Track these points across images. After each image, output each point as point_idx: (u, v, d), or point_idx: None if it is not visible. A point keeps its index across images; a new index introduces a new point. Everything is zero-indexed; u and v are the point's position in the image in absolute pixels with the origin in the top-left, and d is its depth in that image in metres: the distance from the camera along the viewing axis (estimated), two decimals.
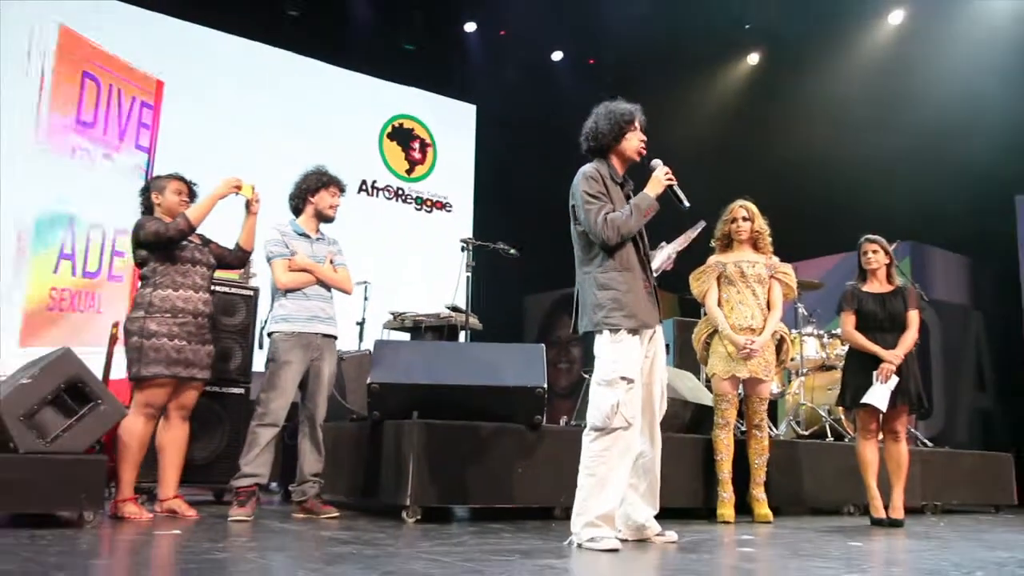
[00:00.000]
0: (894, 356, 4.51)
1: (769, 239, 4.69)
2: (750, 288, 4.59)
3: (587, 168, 3.35)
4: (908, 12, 8.67)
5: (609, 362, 3.16)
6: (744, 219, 4.65)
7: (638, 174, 3.44)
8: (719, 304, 4.61)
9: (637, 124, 3.39)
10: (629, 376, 3.13)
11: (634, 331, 3.19)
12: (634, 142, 3.38)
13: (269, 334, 4.10)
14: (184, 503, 3.91)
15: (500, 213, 9.68)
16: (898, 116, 8.23)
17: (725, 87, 10.09)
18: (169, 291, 3.82)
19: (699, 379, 5.44)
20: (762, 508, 4.51)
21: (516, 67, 10.09)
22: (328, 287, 4.19)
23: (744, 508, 4.56)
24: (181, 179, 4.03)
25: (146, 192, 4.02)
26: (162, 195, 3.96)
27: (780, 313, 4.67)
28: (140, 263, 3.90)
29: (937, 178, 7.92)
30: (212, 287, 4.10)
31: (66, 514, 3.37)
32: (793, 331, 6.05)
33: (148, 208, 3.99)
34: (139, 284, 3.91)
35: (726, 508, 4.46)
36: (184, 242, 3.89)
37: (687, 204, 3.35)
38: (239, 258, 4.18)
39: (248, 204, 4.10)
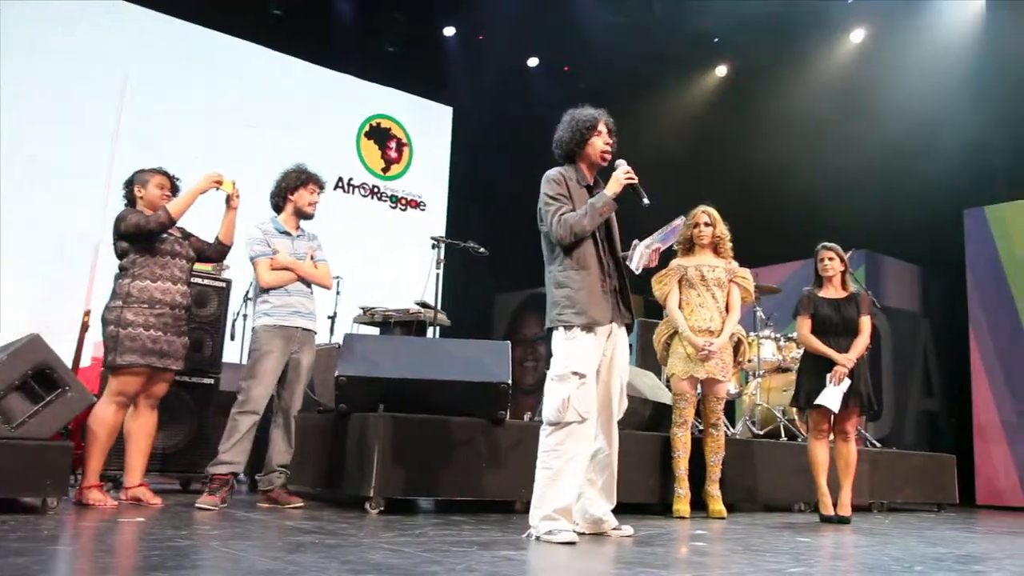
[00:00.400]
0: (847, 359, 4.64)
1: (729, 244, 4.82)
2: (710, 291, 4.71)
3: (551, 171, 3.43)
4: (868, 31, 8.91)
5: (562, 358, 3.23)
6: (706, 224, 4.78)
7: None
8: (680, 306, 4.73)
9: (602, 128, 3.44)
10: (581, 371, 3.20)
11: (589, 328, 3.25)
12: (598, 146, 3.44)
13: (253, 329, 4.19)
14: (149, 491, 3.94)
15: (473, 213, 9.78)
16: (857, 131, 8.46)
17: (694, 97, 10.25)
18: (147, 282, 3.88)
19: (660, 378, 5.56)
20: (716, 504, 4.63)
21: (493, 71, 10.19)
22: (309, 283, 4.27)
23: (700, 504, 4.68)
24: (164, 173, 4.09)
25: (129, 185, 4.06)
26: (145, 189, 4.01)
27: (738, 316, 4.80)
28: (120, 254, 3.95)
29: (892, 191, 8.18)
30: (191, 280, 4.17)
31: (30, 500, 3.38)
32: (751, 334, 6.21)
33: (131, 201, 4.05)
34: (117, 275, 3.96)
35: (682, 504, 4.58)
36: (164, 235, 3.96)
37: (647, 202, 3.36)
38: (219, 251, 4.25)
39: (228, 199, 4.16)
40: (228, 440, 3.97)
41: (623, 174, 3.36)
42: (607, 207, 3.32)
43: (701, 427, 4.91)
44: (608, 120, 3.48)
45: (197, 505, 3.80)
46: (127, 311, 3.81)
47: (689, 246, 4.83)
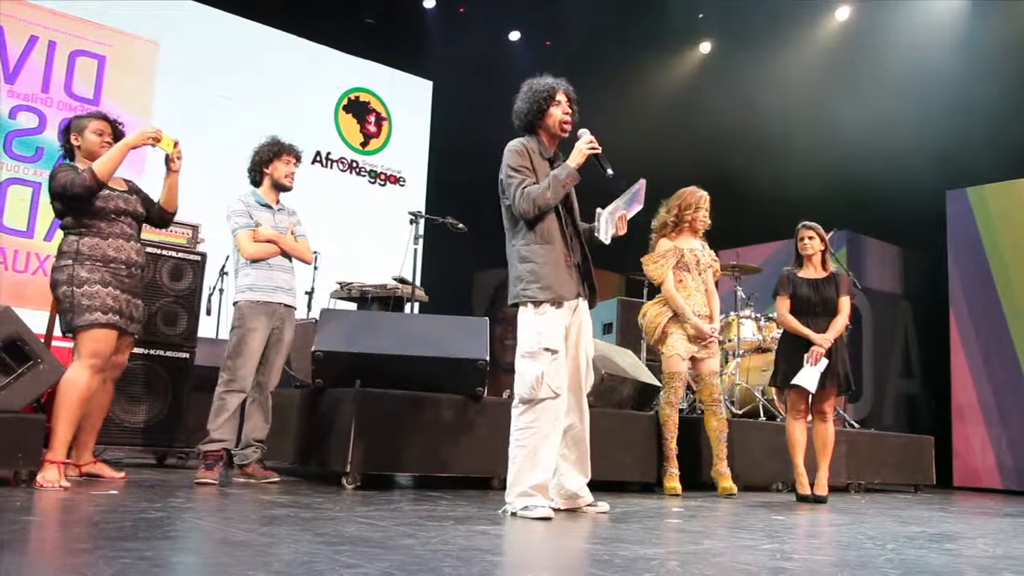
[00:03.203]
0: (824, 340, 4.64)
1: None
2: (701, 276, 4.73)
3: (513, 143, 3.35)
4: (854, 8, 8.88)
5: (533, 334, 3.20)
6: (707, 211, 4.77)
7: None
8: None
9: (560, 98, 3.35)
10: (552, 347, 3.18)
11: (557, 303, 3.22)
12: (557, 117, 3.35)
13: (235, 303, 4.12)
14: (106, 466, 3.85)
15: (453, 189, 9.69)
16: (840, 111, 8.45)
17: (677, 74, 10.20)
18: (98, 239, 3.49)
19: (639, 357, 5.57)
20: (726, 482, 4.68)
21: (474, 45, 10.06)
22: (290, 257, 4.23)
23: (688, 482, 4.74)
24: (103, 118, 3.65)
25: (66, 133, 3.62)
26: (82, 136, 3.58)
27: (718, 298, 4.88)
28: (59, 214, 3.55)
29: (875, 172, 8.17)
30: (143, 242, 3.80)
31: (1, 473, 3.33)
32: (732, 313, 6.23)
33: (69, 152, 3.63)
34: (62, 234, 3.56)
35: (674, 481, 4.63)
36: (107, 191, 3.54)
37: (611, 172, 3.29)
38: (161, 217, 3.79)
39: (168, 160, 3.70)
40: (217, 419, 3.95)
41: (586, 144, 3.28)
42: (570, 178, 3.26)
43: (680, 407, 4.92)
44: (568, 89, 3.39)
45: (196, 480, 3.78)
46: (80, 268, 3.42)
47: (680, 228, 4.79)
